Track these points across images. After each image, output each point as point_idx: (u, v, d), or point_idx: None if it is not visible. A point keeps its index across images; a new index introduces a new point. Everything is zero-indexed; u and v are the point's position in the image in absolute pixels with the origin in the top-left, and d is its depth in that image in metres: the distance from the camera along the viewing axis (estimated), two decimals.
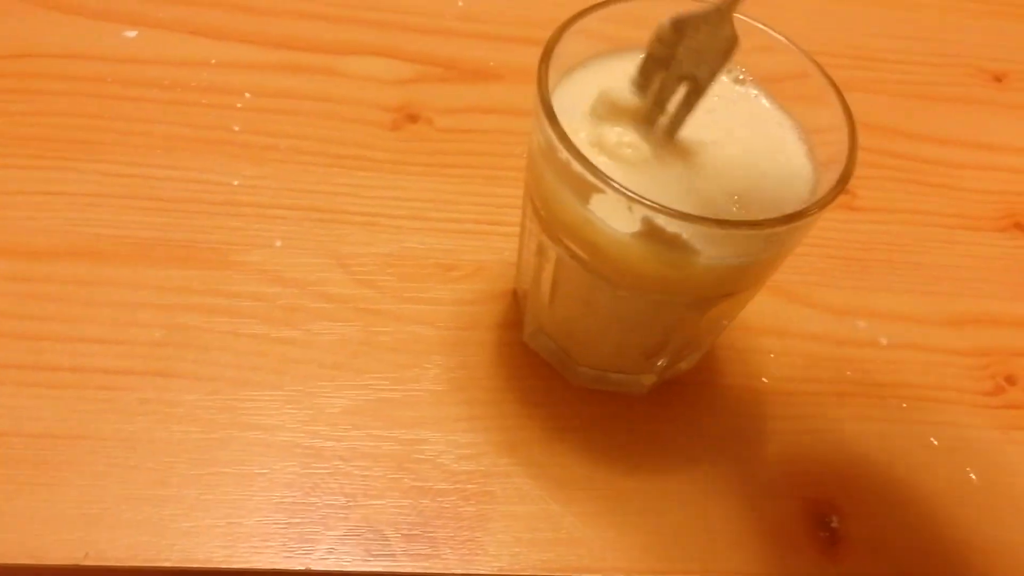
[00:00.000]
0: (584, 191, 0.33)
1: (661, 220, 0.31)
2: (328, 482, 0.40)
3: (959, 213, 0.56)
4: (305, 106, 0.54)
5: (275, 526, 0.39)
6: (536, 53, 0.35)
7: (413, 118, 0.54)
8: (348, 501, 0.40)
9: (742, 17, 0.36)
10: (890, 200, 0.55)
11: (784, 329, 0.48)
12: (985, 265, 0.53)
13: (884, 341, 0.49)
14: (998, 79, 0.64)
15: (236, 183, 0.50)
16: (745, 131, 0.38)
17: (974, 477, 0.45)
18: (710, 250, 0.33)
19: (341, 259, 0.47)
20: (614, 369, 0.43)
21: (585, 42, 0.38)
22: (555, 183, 0.35)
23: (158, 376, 0.42)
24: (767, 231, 0.32)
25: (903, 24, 0.68)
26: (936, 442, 0.46)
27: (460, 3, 0.61)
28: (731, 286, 0.37)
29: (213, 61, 0.55)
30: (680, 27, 0.35)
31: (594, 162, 0.32)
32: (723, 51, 0.35)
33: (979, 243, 0.54)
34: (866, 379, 0.47)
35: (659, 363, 0.42)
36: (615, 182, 0.31)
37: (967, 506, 0.44)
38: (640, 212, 0.32)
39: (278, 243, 0.47)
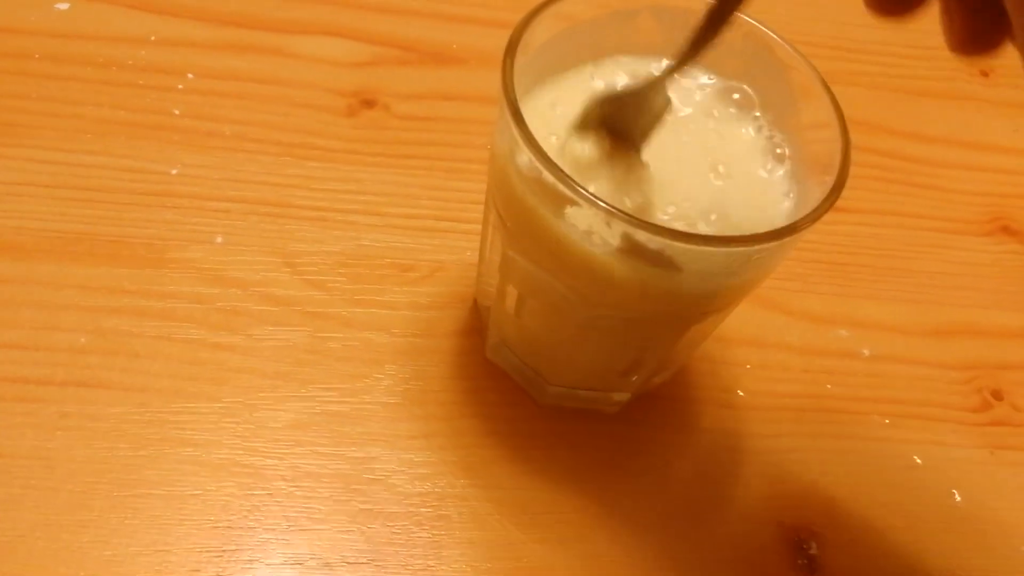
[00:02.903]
0: (556, 203, 0.30)
1: (642, 236, 0.28)
2: (268, 504, 0.37)
3: (945, 216, 0.53)
4: (252, 89, 0.50)
5: (208, 553, 0.35)
6: (503, 36, 0.32)
7: (369, 104, 0.50)
8: (290, 526, 0.36)
9: None
10: (874, 201, 0.52)
11: (762, 339, 0.45)
12: (972, 271, 0.51)
13: (867, 352, 0.46)
14: (985, 74, 0.61)
15: (174, 172, 0.46)
16: (720, 133, 0.35)
17: (959, 499, 0.42)
18: (693, 267, 0.30)
19: (288, 257, 0.44)
20: (585, 387, 0.40)
21: (559, 30, 0.34)
22: (523, 193, 0.31)
23: (81, 387, 0.38)
24: (755, 247, 0.29)
25: None
26: (920, 461, 0.43)
27: None
28: (714, 303, 0.34)
29: (153, 38, 0.51)
30: (615, 100, 0.32)
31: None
32: (657, 116, 0.32)
33: (965, 248, 0.52)
34: (847, 394, 0.45)
35: (633, 379, 0.39)
36: (593, 195, 0.28)
37: (952, 531, 0.41)
38: (620, 227, 0.28)
39: (219, 239, 0.44)
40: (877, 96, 0.59)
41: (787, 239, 0.29)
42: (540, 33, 0.33)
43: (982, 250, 0.52)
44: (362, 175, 0.47)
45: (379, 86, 0.51)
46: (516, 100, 0.30)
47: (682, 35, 0.33)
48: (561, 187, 0.28)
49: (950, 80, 0.61)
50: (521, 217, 0.32)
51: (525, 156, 0.29)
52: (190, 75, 0.50)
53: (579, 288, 0.33)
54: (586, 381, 0.40)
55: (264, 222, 0.45)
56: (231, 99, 0.49)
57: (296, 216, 0.45)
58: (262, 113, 0.49)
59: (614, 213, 0.28)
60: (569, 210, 0.30)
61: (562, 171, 0.28)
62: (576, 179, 0.28)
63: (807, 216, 0.30)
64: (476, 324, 0.43)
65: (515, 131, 0.29)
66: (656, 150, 0.33)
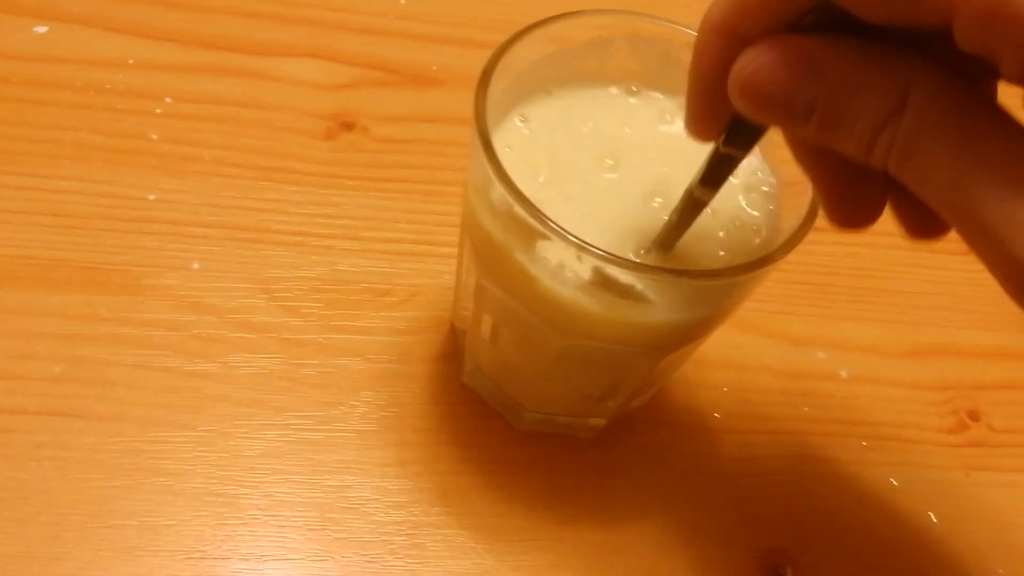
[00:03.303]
0: (527, 237, 0.30)
1: (612, 271, 0.28)
2: (242, 534, 0.37)
3: None
4: (230, 113, 0.50)
5: None
6: (484, 57, 0.32)
7: (348, 126, 0.50)
8: (264, 555, 0.36)
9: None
10: None
11: (740, 362, 0.45)
12: (948, 291, 0.51)
13: (844, 374, 0.46)
14: None
15: (152, 198, 0.45)
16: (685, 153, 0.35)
17: (936, 520, 0.42)
18: (665, 299, 0.30)
19: (265, 284, 0.44)
20: (561, 413, 0.40)
21: (538, 56, 0.34)
22: (494, 225, 0.31)
23: (56, 416, 0.38)
24: (728, 280, 0.29)
25: None
26: (896, 483, 0.43)
27: (402, 1, 0.57)
28: (689, 334, 0.34)
29: (131, 61, 0.51)
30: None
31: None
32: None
33: (942, 267, 0.52)
34: (824, 416, 0.45)
35: (608, 405, 0.39)
36: (563, 229, 0.28)
37: (928, 554, 0.42)
38: (590, 262, 0.28)
39: (196, 265, 0.44)
40: None
41: (760, 271, 0.30)
42: (519, 58, 0.33)
43: (958, 268, 0.52)
44: (340, 199, 0.47)
45: (358, 108, 0.51)
46: (487, 131, 0.30)
47: (655, 63, 0.34)
48: (532, 221, 0.28)
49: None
50: (493, 248, 0.32)
51: (497, 189, 0.29)
52: (168, 99, 0.50)
53: (552, 319, 0.33)
54: (562, 408, 0.40)
55: (241, 247, 0.45)
56: (209, 123, 0.49)
57: (273, 241, 0.45)
58: (241, 137, 0.49)
59: (584, 248, 0.28)
60: (540, 244, 0.30)
61: (532, 205, 0.28)
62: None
63: (780, 247, 0.30)
64: (453, 349, 0.43)
65: (487, 164, 0.29)
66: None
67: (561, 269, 0.30)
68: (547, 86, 0.35)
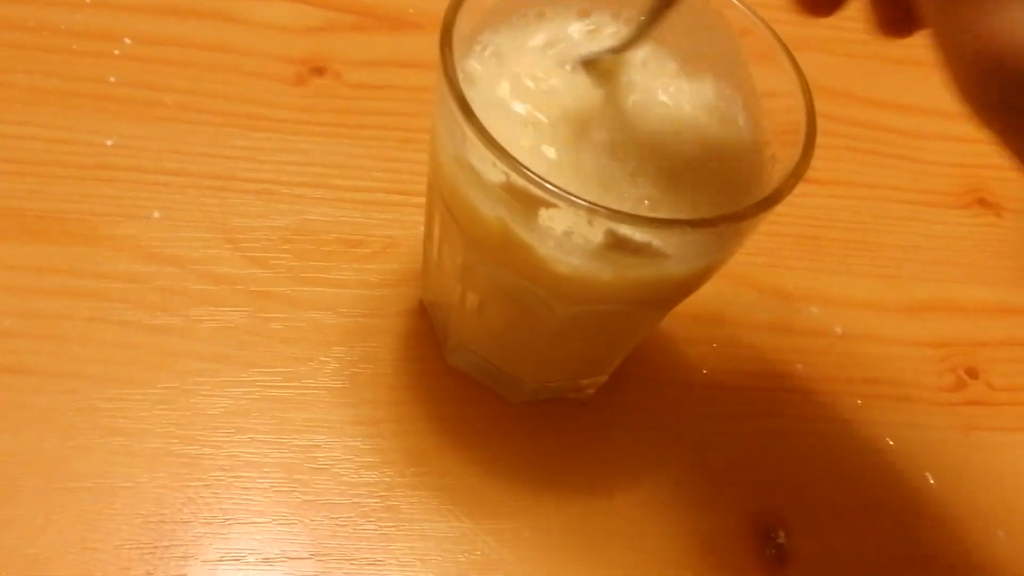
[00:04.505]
0: (529, 207, 0.27)
1: (627, 230, 0.26)
2: (205, 496, 0.35)
3: (920, 188, 0.51)
4: (194, 56, 0.47)
5: (139, 550, 0.33)
6: None
7: (319, 71, 0.48)
8: (228, 519, 0.34)
9: None
10: (846, 172, 0.51)
11: (730, 317, 0.44)
12: (946, 245, 0.49)
13: (839, 330, 0.44)
14: None
15: (110, 144, 0.43)
16: (677, 103, 0.33)
17: (933, 482, 0.41)
18: (681, 252, 0.28)
19: (229, 233, 0.41)
20: (560, 379, 0.38)
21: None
22: (484, 200, 0.28)
23: (7, 373, 0.36)
24: (744, 222, 0.27)
25: None
26: (892, 443, 0.42)
27: None
28: (698, 283, 0.32)
29: (88, 0, 0.48)
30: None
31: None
32: None
33: (941, 221, 0.50)
34: (818, 374, 0.43)
35: (612, 363, 0.37)
36: (572, 194, 0.26)
37: (925, 516, 0.40)
38: (603, 224, 0.26)
39: (156, 214, 0.41)
40: (854, 64, 0.57)
41: (771, 209, 0.28)
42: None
43: (958, 223, 0.50)
44: (310, 146, 0.45)
45: (330, 53, 0.49)
46: (464, 97, 0.27)
47: None
48: (535, 190, 0.26)
49: (927, 46, 0.58)
50: (484, 224, 0.29)
51: (487, 160, 0.27)
52: (128, 40, 0.47)
53: (557, 290, 0.31)
54: (563, 374, 0.38)
55: (205, 196, 0.42)
56: (172, 66, 0.46)
57: (239, 189, 0.43)
58: (206, 81, 0.46)
59: (596, 210, 0.26)
60: (544, 213, 0.27)
61: (535, 174, 0.26)
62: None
63: (792, 172, 0.29)
64: (427, 325, 0.41)
65: (470, 132, 0.27)
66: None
67: (568, 236, 0.28)
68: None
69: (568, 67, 0.31)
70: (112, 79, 0.45)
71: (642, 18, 0.31)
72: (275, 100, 0.46)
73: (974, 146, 0.54)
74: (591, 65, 0.32)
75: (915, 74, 0.56)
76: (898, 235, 0.49)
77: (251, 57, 0.48)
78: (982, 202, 0.51)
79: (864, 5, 0.28)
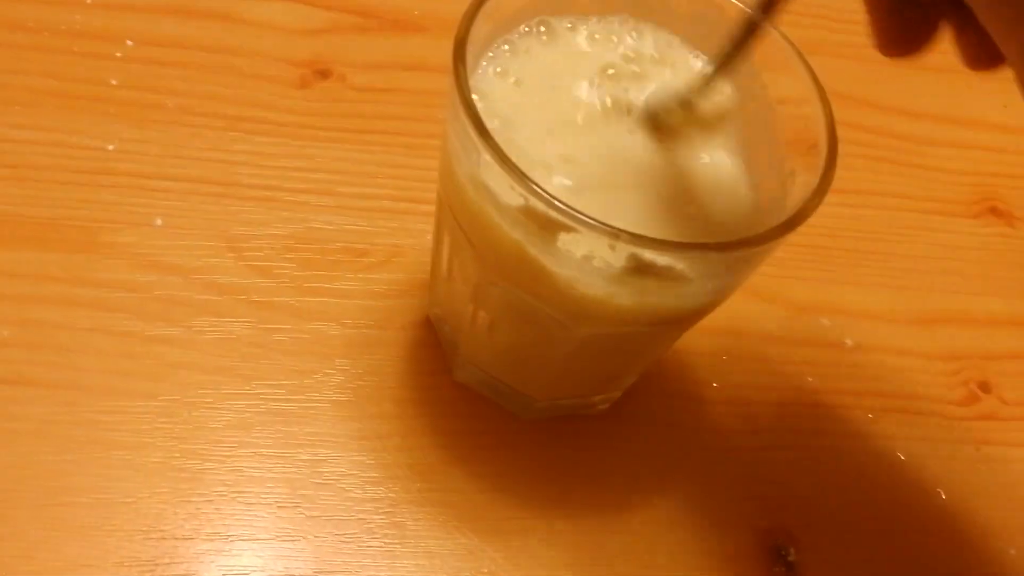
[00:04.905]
0: (549, 231, 0.26)
1: (650, 254, 0.26)
2: (207, 512, 0.34)
3: (932, 196, 0.50)
4: (197, 58, 0.46)
5: (139, 567, 0.33)
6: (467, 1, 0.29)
7: (324, 74, 0.47)
8: (231, 536, 0.34)
9: None
10: (858, 181, 0.50)
11: (740, 328, 0.43)
12: (958, 255, 0.48)
13: (849, 342, 0.44)
14: None
15: (111, 148, 0.42)
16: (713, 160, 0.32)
17: (945, 497, 0.40)
18: (703, 275, 0.28)
19: (233, 241, 0.40)
20: (572, 396, 0.37)
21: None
22: (501, 221, 0.28)
23: (2, 384, 0.36)
24: (766, 245, 0.27)
25: None
26: (904, 458, 0.41)
27: None
28: (717, 302, 0.32)
29: (89, 1, 0.47)
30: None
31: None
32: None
33: (952, 230, 0.49)
34: (829, 387, 0.42)
35: (626, 380, 0.36)
36: (593, 218, 0.25)
37: (937, 532, 0.40)
38: (625, 249, 0.26)
39: (158, 221, 0.40)
40: (865, 69, 0.56)
41: (795, 230, 0.28)
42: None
43: (969, 232, 0.50)
44: (314, 151, 0.44)
45: (334, 55, 0.48)
46: (479, 117, 0.26)
47: None
48: (556, 215, 0.25)
49: (939, 52, 0.58)
50: (499, 246, 0.29)
51: (504, 182, 0.26)
52: (129, 42, 0.46)
53: (575, 311, 0.30)
54: (576, 391, 0.37)
55: (207, 203, 0.41)
56: (174, 68, 0.46)
57: (242, 196, 0.42)
58: (207, 84, 0.46)
59: (619, 235, 0.25)
60: (564, 236, 0.27)
61: (554, 198, 0.25)
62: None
63: (810, 201, 0.29)
64: (434, 338, 0.40)
65: (486, 154, 0.26)
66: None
67: (588, 260, 0.27)
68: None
69: (629, 115, 0.30)
70: (113, 81, 0.44)
71: (721, 53, 0.29)
72: (278, 103, 0.46)
73: (986, 154, 0.53)
74: (655, 118, 0.31)
75: (927, 80, 0.55)
76: (908, 245, 0.48)
77: (254, 59, 0.47)
78: (994, 211, 0.51)
79: (951, 40, 0.28)
